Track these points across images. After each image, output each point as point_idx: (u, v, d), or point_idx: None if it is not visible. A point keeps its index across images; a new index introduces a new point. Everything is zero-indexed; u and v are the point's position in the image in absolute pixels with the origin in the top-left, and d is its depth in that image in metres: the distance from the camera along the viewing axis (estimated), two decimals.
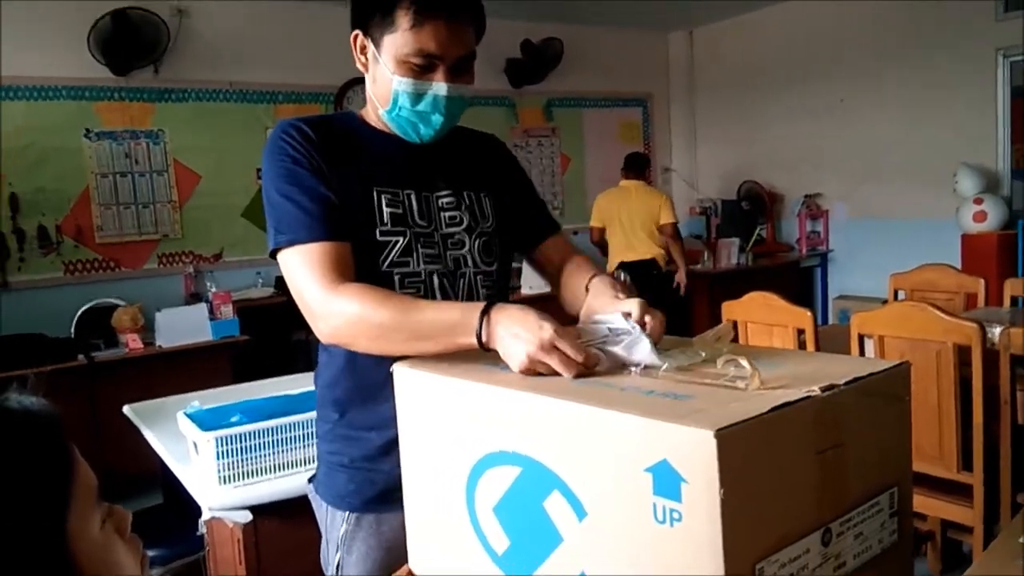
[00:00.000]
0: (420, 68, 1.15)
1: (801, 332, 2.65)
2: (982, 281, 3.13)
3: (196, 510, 1.80)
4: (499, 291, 1.30)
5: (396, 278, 1.19)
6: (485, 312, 1.00)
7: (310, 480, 1.35)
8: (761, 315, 2.79)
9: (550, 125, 6.55)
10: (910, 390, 0.93)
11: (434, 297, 1.21)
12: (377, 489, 1.22)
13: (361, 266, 1.17)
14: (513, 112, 6.30)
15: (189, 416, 1.81)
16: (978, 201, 5.14)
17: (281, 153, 1.19)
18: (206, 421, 1.76)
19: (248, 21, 5.12)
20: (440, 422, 1.02)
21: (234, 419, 1.78)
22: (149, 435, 2.14)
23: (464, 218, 1.27)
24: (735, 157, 7.03)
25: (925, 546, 2.49)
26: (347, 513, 1.25)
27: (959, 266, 4.64)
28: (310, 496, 1.33)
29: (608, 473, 0.80)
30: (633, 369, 0.96)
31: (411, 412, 1.08)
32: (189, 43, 4.90)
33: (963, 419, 2.13)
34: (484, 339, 1.00)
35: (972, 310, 3.00)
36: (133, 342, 3.90)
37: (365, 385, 1.20)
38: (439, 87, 1.16)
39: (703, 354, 0.99)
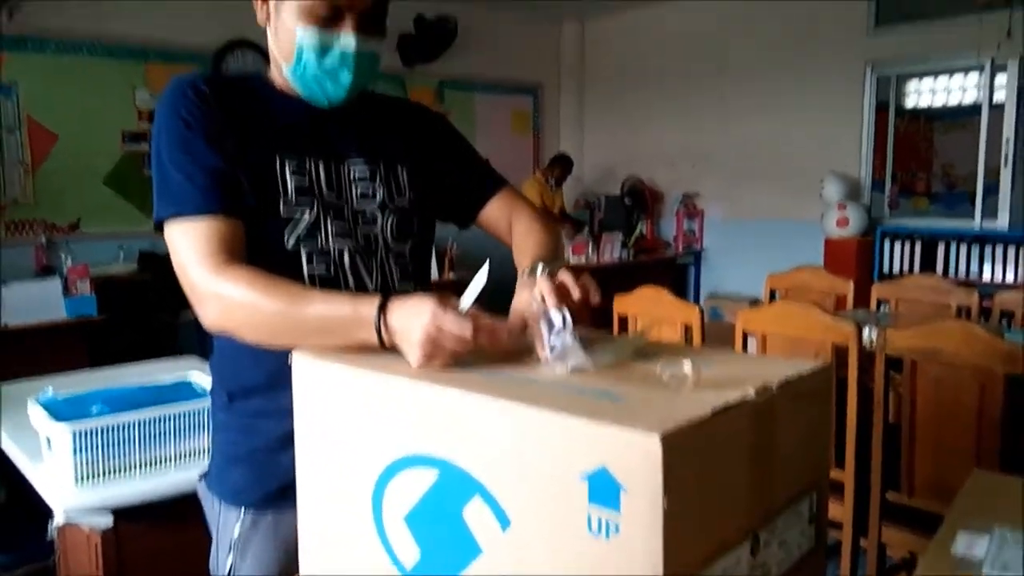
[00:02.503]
0: (325, 19, 1.06)
1: (688, 328, 2.70)
2: (851, 284, 3.31)
3: (46, 510, 1.61)
4: (416, 272, 1.21)
5: (304, 255, 1.10)
6: (383, 305, 0.93)
7: (201, 476, 1.22)
8: (650, 309, 2.83)
9: (441, 108, 6.44)
10: (833, 392, 0.93)
11: (346, 277, 1.12)
12: (277, 483, 1.11)
13: (266, 243, 1.07)
14: (403, 92, 6.15)
15: (42, 404, 1.61)
16: (841, 207, 5.47)
17: (174, 115, 1.07)
18: (62, 411, 1.57)
19: None
20: (345, 419, 0.93)
21: (94, 409, 1.60)
22: None
23: (378, 192, 1.17)
24: (620, 152, 7.19)
25: None
26: (242, 511, 1.14)
27: (822, 267, 4.92)
28: (200, 493, 1.21)
29: (537, 479, 0.74)
30: (552, 358, 0.90)
31: (311, 407, 0.98)
32: None
33: (838, 417, 2.22)
34: (384, 334, 0.92)
35: (842, 311, 3.16)
36: None
37: (267, 369, 1.09)
38: (347, 40, 1.07)
39: (629, 350, 0.96)
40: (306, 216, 1.10)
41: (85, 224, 4.70)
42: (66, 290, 3.69)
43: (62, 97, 4.58)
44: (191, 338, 4.49)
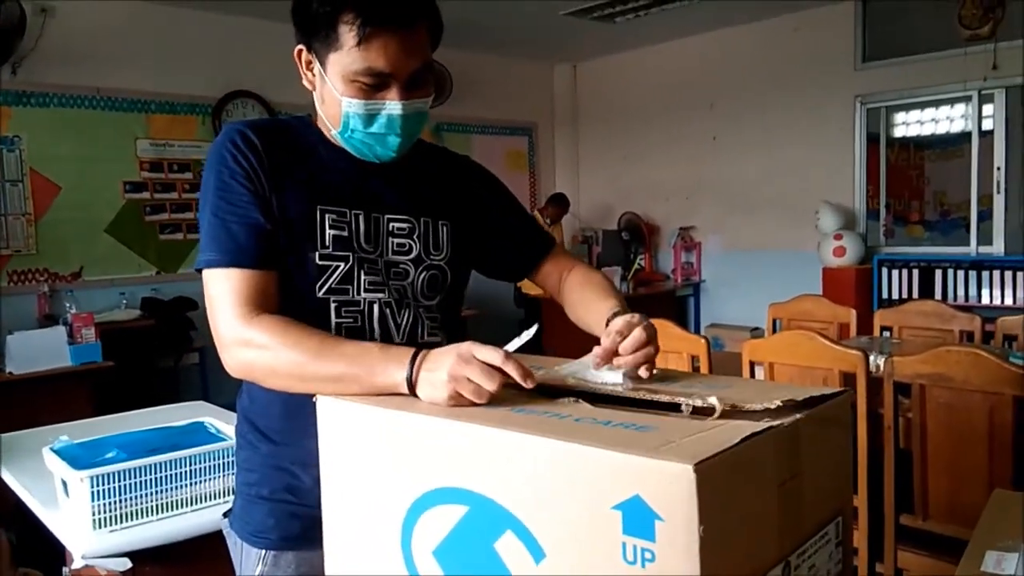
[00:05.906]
0: (370, 87, 1.05)
1: (695, 358, 2.71)
2: (854, 312, 3.33)
3: (58, 556, 1.60)
4: (445, 323, 1.21)
5: (332, 306, 1.10)
6: (414, 357, 0.95)
7: (225, 514, 1.22)
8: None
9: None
10: (852, 417, 0.94)
11: (373, 329, 1.13)
12: (300, 525, 1.11)
13: (297, 291, 1.09)
14: None
15: (57, 452, 1.61)
16: (838, 237, 5.52)
17: (221, 163, 1.09)
18: (79, 458, 1.57)
19: (119, 23, 4.80)
20: (371, 457, 0.94)
21: (110, 455, 1.60)
22: (6, 474, 1.89)
23: (414, 247, 1.18)
24: (615, 188, 7.26)
25: None
26: (263, 551, 1.13)
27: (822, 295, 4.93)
28: (224, 532, 1.21)
29: (571, 511, 0.75)
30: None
31: (336, 446, 0.99)
32: (53, 44, 4.52)
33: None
34: (414, 379, 0.94)
35: (846, 339, 3.17)
36: None
37: (294, 413, 1.09)
38: (393, 106, 1.06)
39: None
40: (340, 267, 1.11)
41: (87, 272, 4.72)
42: (71, 337, 3.70)
43: (64, 149, 4.63)
44: (193, 382, 4.49)
